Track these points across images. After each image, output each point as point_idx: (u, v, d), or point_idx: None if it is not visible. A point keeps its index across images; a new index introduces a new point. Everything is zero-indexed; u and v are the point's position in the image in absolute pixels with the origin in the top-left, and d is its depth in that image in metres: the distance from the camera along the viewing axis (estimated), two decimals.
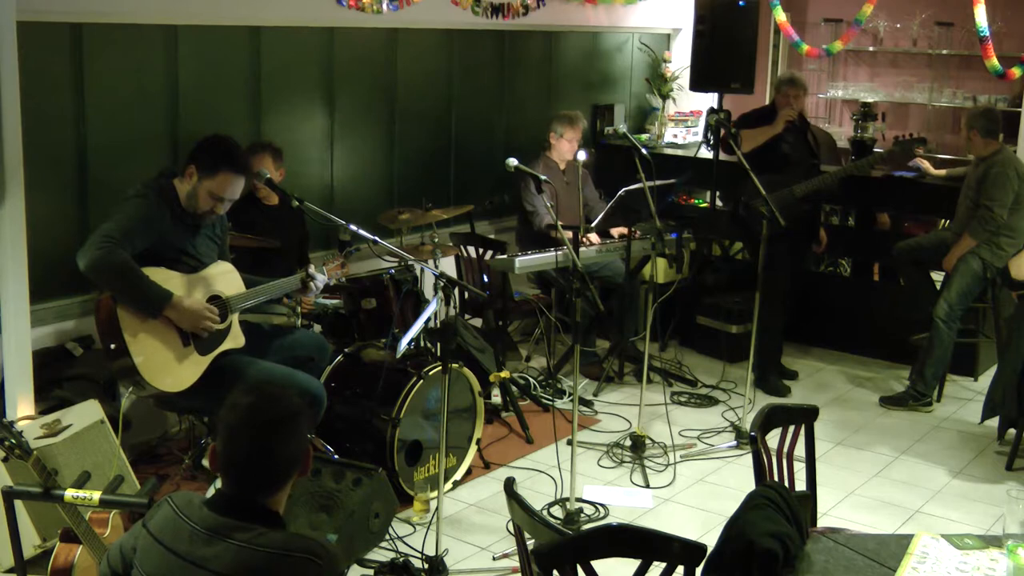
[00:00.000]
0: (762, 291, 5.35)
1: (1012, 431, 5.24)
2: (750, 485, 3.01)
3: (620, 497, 4.76)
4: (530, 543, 2.55)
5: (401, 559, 4.04)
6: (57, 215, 4.80)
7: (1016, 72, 7.07)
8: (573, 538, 2.45)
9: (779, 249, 5.77)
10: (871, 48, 8.50)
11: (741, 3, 6.81)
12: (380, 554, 4.12)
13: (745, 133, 5.95)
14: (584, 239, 5.82)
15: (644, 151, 5.20)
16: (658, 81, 8.01)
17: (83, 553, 3.17)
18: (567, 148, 6.26)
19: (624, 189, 5.87)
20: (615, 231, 6.12)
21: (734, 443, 5.35)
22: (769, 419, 3.16)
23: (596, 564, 2.40)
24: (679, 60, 7.95)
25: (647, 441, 5.22)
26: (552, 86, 7.35)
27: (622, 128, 5.62)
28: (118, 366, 3.80)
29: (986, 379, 5.88)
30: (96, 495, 2.97)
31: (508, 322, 6.24)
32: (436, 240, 5.31)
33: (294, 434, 2.23)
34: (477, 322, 5.96)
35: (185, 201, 3.96)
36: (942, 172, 6.61)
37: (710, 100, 7.36)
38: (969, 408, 5.92)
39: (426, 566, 4.00)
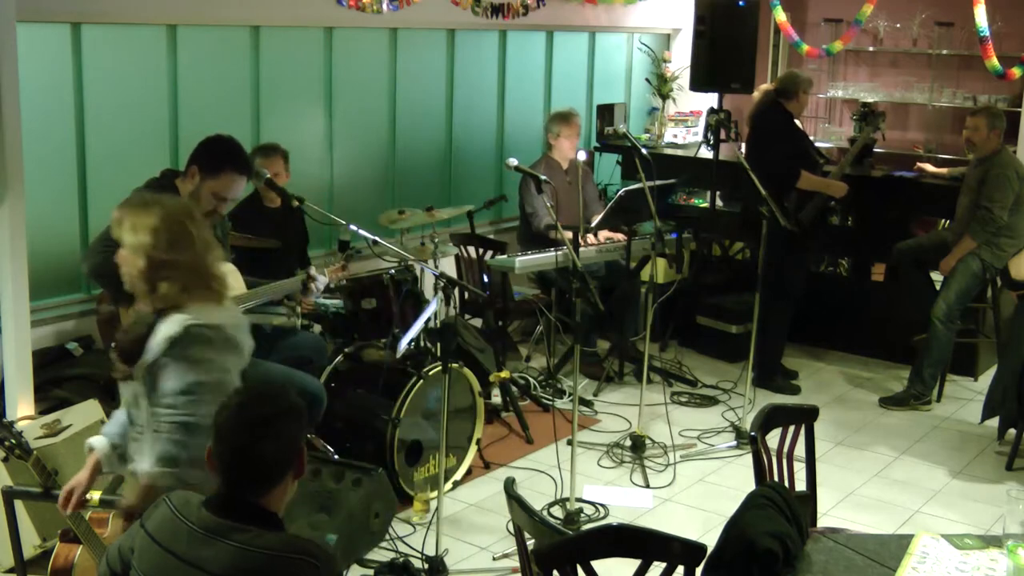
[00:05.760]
0: (773, 292, 5.34)
1: (1012, 431, 5.23)
2: (750, 485, 3.01)
3: (620, 497, 4.76)
4: (530, 543, 2.55)
5: (401, 559, 4.04)
6: (57, 215, 4.80)
7: (1016, 72, 7.07)
8: (573, 538, 2.45)
9: (798, 254, 5.79)
10: (871, 48, 8.50)
11: (741, 3, 6.81)
12: (380, 554, 4.12)
13: (806, 176, 5.93)
14: (582, 240, 5.82)
15: (644, 151, 5.19)
16: (658, 81, 8.00)
17: (83, 553, 3.17)
18: (567, 147, 6.24)
19: (624, 189, 5.87)
20: (603, 235, 6.06)
21: (734, 443, 5.35)
22: (769, 419, 3.16)
23: (596, 564, 2.40)
24: (679, 60, 7.95)
25: (647, 441, 5.21)
26: (552, 86, 7.34)
27: (622, 128, 5.62)
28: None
29: (986, 379, 5.88)
30: (96, 495, 2.96)
31: (508, 322, 6.23)
32: (436, 240, 5.31)
33: (281, 432, 2.21)
34: (477, 322, 5.96)
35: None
36: (943, 170, 6.61)
37: (710, 100, 7.35)
38: (969, 408, 5.92)
39: (426, 566, 4.00)
